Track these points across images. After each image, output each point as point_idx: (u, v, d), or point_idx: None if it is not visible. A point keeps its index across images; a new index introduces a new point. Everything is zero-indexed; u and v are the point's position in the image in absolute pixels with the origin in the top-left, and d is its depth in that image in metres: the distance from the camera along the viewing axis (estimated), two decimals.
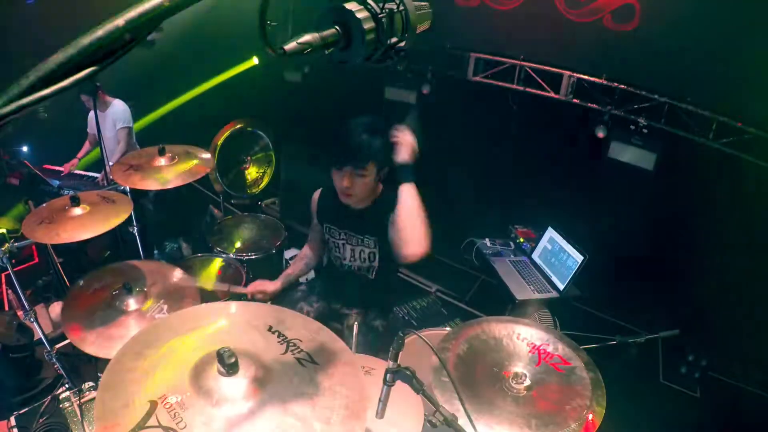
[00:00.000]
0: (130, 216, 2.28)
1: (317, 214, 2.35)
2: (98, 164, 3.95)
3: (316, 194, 2.35)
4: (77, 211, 2.12)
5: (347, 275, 2.31)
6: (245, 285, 2.76)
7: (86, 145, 4.21)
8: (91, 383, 1.92)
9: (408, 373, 1.24)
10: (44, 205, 2.23)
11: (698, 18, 3.17)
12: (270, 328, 1.17)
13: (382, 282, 2.29)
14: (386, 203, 2.15)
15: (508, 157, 4.40)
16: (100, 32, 0.49)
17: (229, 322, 1.23)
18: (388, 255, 2.13)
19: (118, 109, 3.94)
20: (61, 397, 1.89)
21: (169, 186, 2.43)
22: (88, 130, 4.15)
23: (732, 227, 3.27)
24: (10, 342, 2.65)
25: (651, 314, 3.45)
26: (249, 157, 4.24)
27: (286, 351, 1.12)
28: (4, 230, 3.48)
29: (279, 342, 1.14)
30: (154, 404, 0.95)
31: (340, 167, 2.00)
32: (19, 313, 2.66)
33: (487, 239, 3.75)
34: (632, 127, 3.60)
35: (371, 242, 2.19)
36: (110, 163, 3.57)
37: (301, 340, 1.15)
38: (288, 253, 3.48)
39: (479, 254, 3.67)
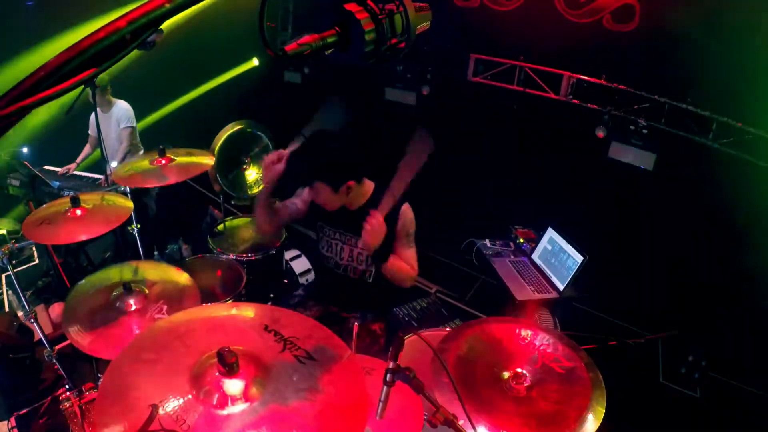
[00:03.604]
0: (131, 216, 2.28)
1: (312, 211, 2.34)
2: (99, 164, 3.94)
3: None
4: (77, 211, 2.12)
5: (344, 279, 2.31)
6: (245, 286, 2.77)
7: (86, 149, 4.17)
8: (91, 384, 1.92)
9: (408, 373, 1.24)
10: (44, 205, 2.24)
11: (698, 18, 3.17)
12: (266, 328, 1.17)
13: (381, 285, 2.28)
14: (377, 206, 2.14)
15: (507, 158, 4.40)
16: (101, 33, 0.49)
17: (226, 323, 1.23)
18: (383, 261, 2.13)
19: (121, 108, 3.94)
20: (61, 398, 1.90)
21: (170, 182, 2.45)
22: (89, 132, 4.13)
23: (732, 227, 3.27)
24: (10, 343, 2.65)
25: (651, 314, 3.44)
26: (249, 158, 4.24)
27: (284, 349, 1.12)
28: (4, 231, 3.49)
29: (276, 341, 1.14)
30: (155, 408, 0.94)
31: None
32: (20, 313, 2.67)
33: (487, 239, 3.75)
34: (632, 127, 3.60)
35: None
36: (113, 164, 3.57)
37: (298, 338, 1.15)
38: (288, 254, 3.48)
39: (479, 254, 3.67)
